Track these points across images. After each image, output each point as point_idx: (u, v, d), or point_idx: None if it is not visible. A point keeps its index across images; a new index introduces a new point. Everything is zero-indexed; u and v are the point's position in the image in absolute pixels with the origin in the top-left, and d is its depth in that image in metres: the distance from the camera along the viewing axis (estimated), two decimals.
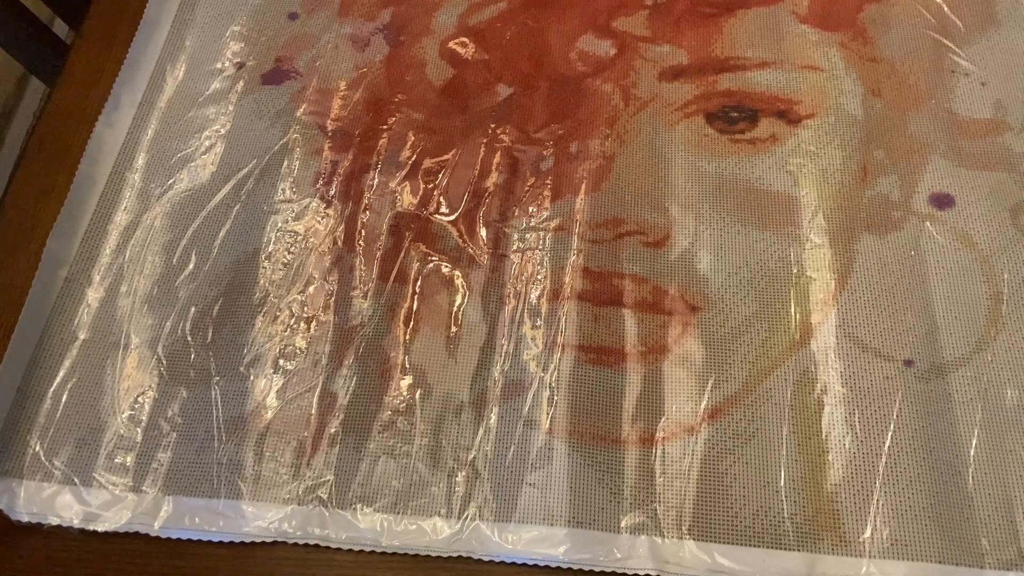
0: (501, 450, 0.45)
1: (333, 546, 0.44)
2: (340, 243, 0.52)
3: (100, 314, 0.51)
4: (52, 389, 0.49)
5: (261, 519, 0.45)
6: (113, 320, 0.51)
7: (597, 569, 0.42)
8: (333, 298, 0.51)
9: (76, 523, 0.45)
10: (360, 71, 0.59)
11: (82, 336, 0.50)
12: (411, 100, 0.57)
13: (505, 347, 0.48)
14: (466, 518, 0.44)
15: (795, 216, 0.51)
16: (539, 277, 0.50)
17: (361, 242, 0.52)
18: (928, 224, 0.50)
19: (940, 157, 0.52)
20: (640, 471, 0.45)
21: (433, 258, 0.51)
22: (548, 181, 0.53)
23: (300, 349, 0.49)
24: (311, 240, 0.53)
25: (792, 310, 0.48)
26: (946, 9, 0.58)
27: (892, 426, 0.45)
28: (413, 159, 0.55)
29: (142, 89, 0.60)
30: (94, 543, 0.45)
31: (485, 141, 0.55)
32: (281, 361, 0.49)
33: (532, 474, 0.45)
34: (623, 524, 0.43)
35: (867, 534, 0.42)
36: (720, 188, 0.52)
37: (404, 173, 0.55)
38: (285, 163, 0.55)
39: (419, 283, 0.51)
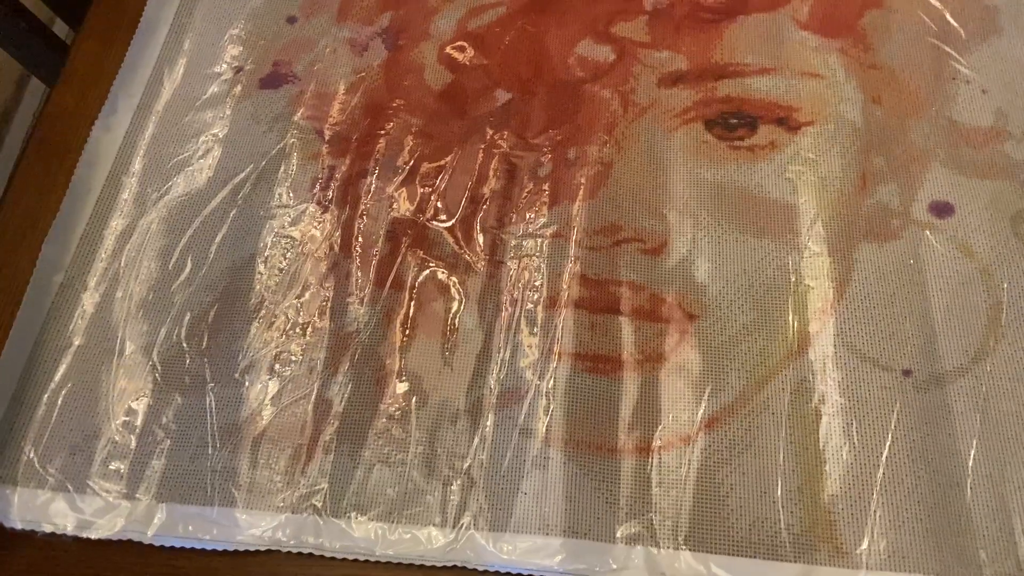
0: (497, 459, 0.45)
1: (327, 555, 0.44)
2: (336, 249, 0.52)
3: (95, 320, 0.51)
4: (47, 395, 0.49)
5: (255, 527, 0.44)
6: (108, 326, 0.51)
7: None
8: (329, 304, 0.50)
9: (70, 530, 0.45)
10: (358, 75, 0.59)
11: (77, 342, 0.50)
12: (409, 105, 0.57)
13: (501, 355, 0.48)
14: (461, 527, 0.44)
15: (794, 224, 0.51)
16: (536, 284, 0.50)
17: (358, 248, 0.52)
18: (927, 233, 0.50)
19: (940, 165, 0.52)
20: (636, 481, 0.44)
21: (430, 264, 0.51)
22: (546, 187, 0.53)
23: (295, 355, 0.49)
24: (307, 246, 0.52)
25: (790, 319, 0.48)
26: (948, 16, 0.57)
27: (890, 436, 0.44)
28: (411, 164, 0.55)
29: (139, 93, 0.59)
30: (93, 544, 0.45)
31: (483, 147, 0.55)
32: (276, 367, 0.49)
33: (528, 483, 0.44)
34: (619, 534, 0.43)
35: (864, 545, 0.42)
36: (719, 195, 0.52)
37: (401, 178, 0.54)
38: (282, 168, 0.55)
39: (415, 289, 0.50)
